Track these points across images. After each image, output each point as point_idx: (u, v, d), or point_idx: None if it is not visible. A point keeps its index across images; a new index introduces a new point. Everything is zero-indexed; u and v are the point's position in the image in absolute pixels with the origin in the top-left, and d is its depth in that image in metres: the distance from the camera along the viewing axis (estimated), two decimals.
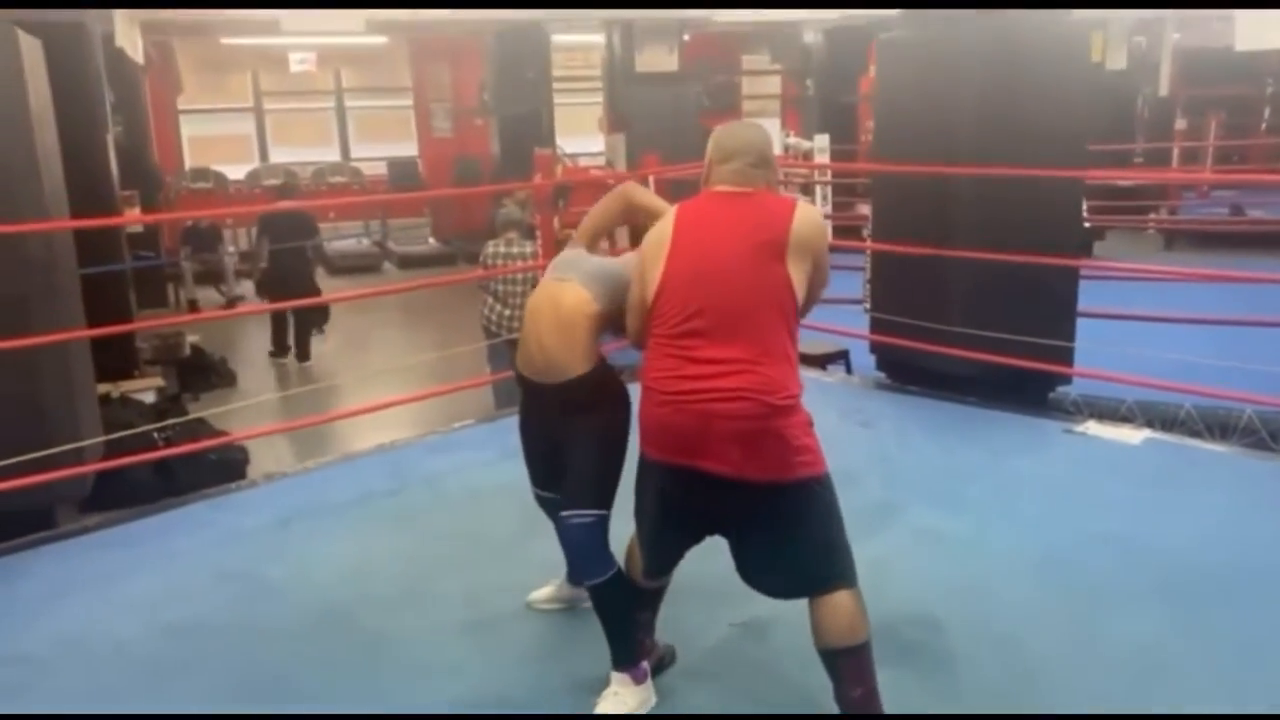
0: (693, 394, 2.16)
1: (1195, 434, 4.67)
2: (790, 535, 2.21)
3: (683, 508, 2.31)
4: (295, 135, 15.27)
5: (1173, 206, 11.88)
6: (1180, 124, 12.54)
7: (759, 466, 2.15)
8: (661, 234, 2.33)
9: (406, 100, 15.36)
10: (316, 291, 8.35)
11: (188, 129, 14.32)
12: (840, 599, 2.21)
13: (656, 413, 2.24)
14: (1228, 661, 2.64)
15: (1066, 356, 4.87)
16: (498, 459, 3.84)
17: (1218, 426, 4.80)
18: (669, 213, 2.39)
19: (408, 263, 13.23)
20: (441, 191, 14.29)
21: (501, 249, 6.15)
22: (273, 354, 8.60)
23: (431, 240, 14.09)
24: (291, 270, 8.05)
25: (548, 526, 2.64)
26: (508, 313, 6.04)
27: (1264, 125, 12.84)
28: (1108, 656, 2.68)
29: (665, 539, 2.40)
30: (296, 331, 8.44)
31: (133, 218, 7.85)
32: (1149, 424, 4.71)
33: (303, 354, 8.42)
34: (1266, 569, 3.10)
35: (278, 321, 8.57)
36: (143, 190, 8.85)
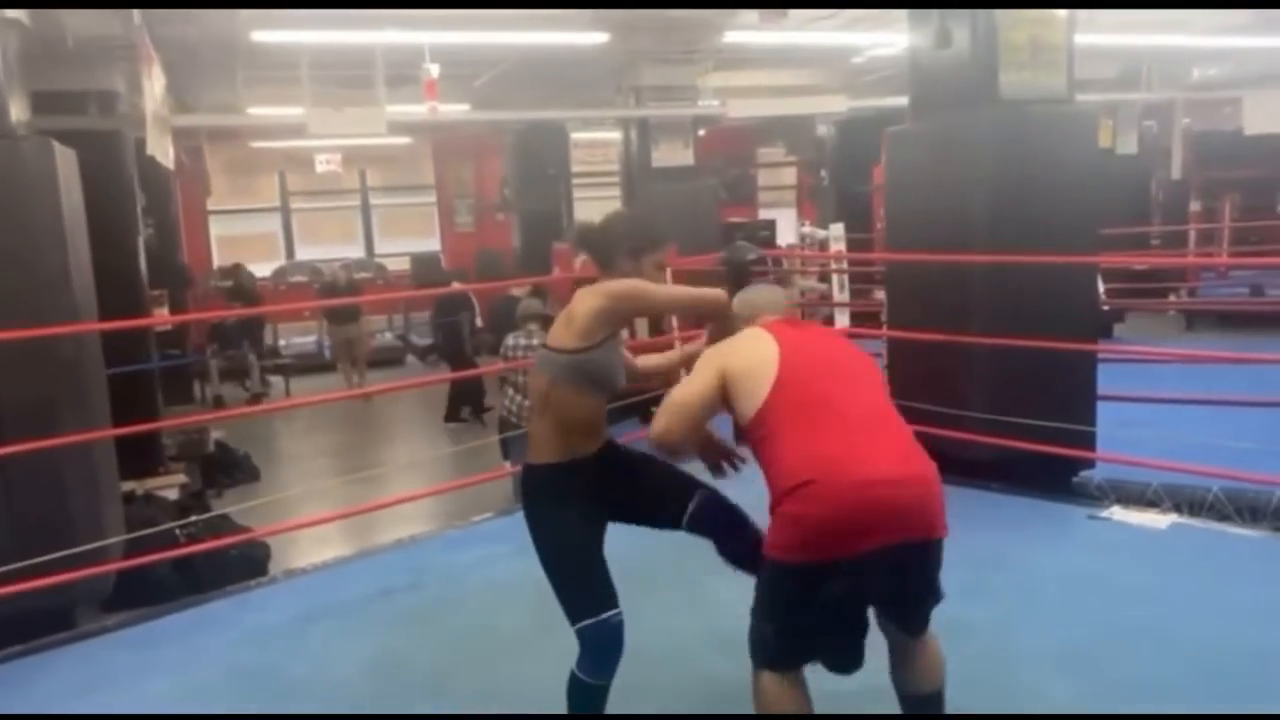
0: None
1: (1224, 517, 4.59)
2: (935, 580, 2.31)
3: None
4: (321, 233, 15.63)
5: (1192, 288, 11.88)
6: (1195, 206, 12.64)
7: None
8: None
9: (429, 197, 15.72)
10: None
11: (216, 229, 14.68)
12: (936, 642, 2.38)
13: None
14: None
15: (1088, 440, 4.83)
16: (515, 553, 3.80)
17: (1247, 509, 4.71)
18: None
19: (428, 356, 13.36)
20: (460, 287, 14.50)
21: (522, 341, 6.22)
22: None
23: None
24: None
25: (564, 620, 2.63)
26: (528, 403, 6.08)
27: (1279, 206, 12.89)
28: None
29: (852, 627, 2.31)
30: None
31: (161, 319, 8.01)
32: (1176, 508, 4.63)
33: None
34: None
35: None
36: (171, 289, 9.06)
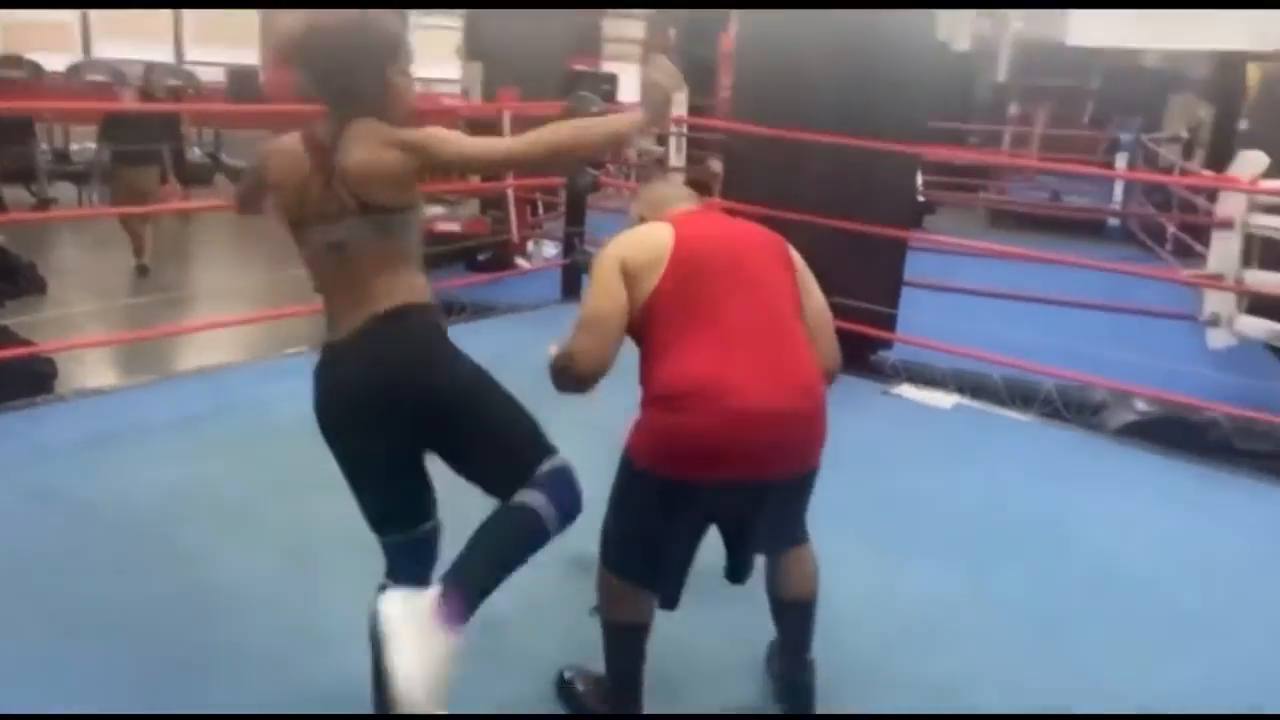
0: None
1: (1001, 402, 5.02)
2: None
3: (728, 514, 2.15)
4: (124, 27, 14.18)
5: (1000, 188, 12.57)
6: (1013, 110, 13.26)
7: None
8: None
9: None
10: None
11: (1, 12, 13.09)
12: (809, 550, 2.33)
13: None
14: (1006, 611, 2.90)
15: (889, 323, 5.14)
16: None
17: (1021, 396, 5.17)
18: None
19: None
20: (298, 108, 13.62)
21: None
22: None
23: None
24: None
25: None
26: None
27: (1086, 118, 13.69)
28: (904, 604, 2.89)
29: (689, 552, 2.17)
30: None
31: None
32: (960, 390, 5.03)
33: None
34: (1048, 526, 3.41)
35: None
36: None
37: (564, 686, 2.37)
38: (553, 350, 2.17)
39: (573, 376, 2.10)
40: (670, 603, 2.18)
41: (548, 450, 1.97)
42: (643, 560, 2.13)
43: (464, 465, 1.97)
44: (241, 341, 5.42)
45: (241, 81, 13.73)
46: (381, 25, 1.94)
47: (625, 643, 2.18)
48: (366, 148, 1.88)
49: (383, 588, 1.92)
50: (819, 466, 2.15)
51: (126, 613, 2.59)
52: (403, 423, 1.91)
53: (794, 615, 2.31)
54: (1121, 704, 2.48)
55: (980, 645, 2.72)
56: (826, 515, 3.37)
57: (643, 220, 2.32)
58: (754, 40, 5.36)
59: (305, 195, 1.91)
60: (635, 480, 2.08)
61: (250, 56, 14.46)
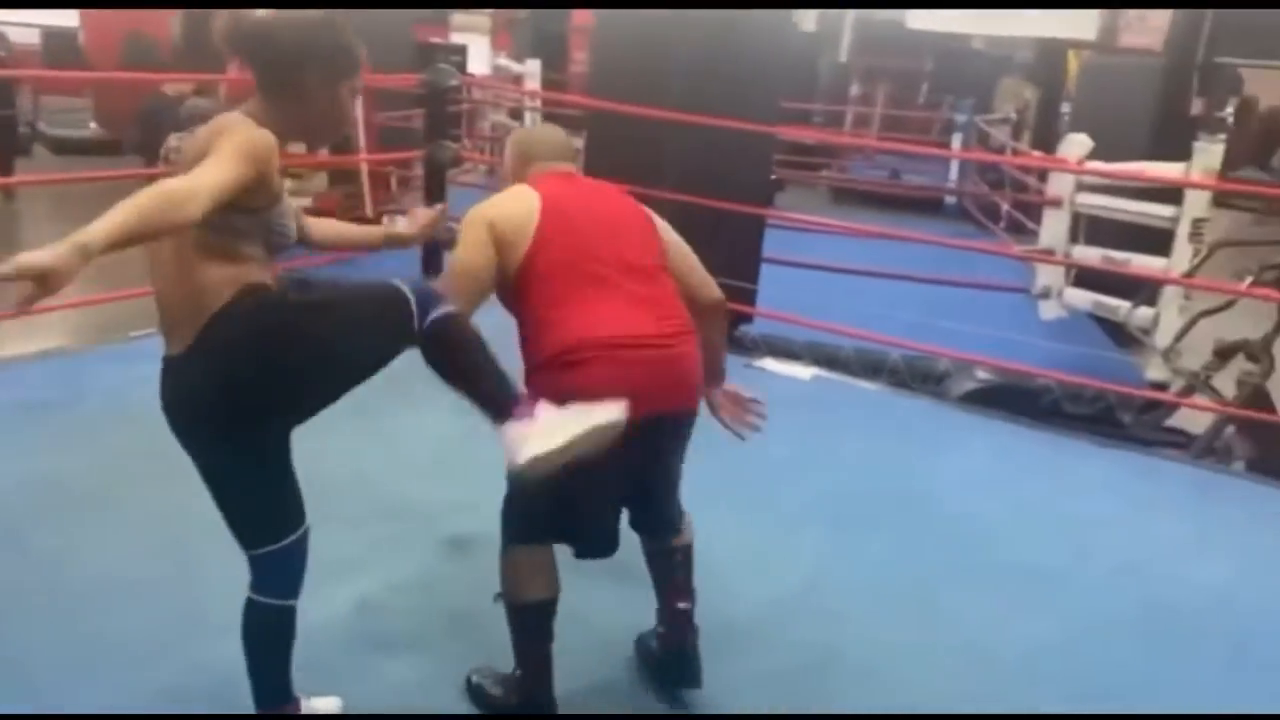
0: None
1: (852, 373, 5.24)
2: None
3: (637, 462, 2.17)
4: None
5: (842, 166, 13.03)
6: (855, 90, 13.74)
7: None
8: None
9: None
10: None
11: None
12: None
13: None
14: (874, 572, 3.05)
15: (749, 298, 5.29)
16: None
17: (871, 367, 5.42)
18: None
19: (64, 148, 11.78)
20: (134, 76, 12.78)
21: (186, 144, 5.66)
22: None
23: (94, 125, 12.61)
24: None
25: None
26: None
27: (921, 99, 14.34)
28: (778, 569, 3.01)
29: (612, 508, 2.25)
30: None
31: None
32: (815, 362, 5.23)
33: None
34: (906, 489, 3.60)
35: None
36: None
37: (475, 690, 2.32)
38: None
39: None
40: (592, 549, 2.24)
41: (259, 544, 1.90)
42: (557, 519, 2.14)
43: None
44: (88, 324, 5.11)
45: (59, 44, 12.82)
46: (332, 38, 1.80)
47: (536, 623, 2.19)
48: (206, 131, 1.71)
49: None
50: (697, 412, 2.25)
51: None
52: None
53: (682, 559, 2.39)
54: (991, 658, 2.65)
55: (852, 605, 2.85)
56: (698, 485, 3.47)
57: (503, 180, 2.38)
58: (613, 15, 5.37)
59: None
60: None
61: (69, 18, 13.49)
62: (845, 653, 2.62)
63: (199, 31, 10.75)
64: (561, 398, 1.92)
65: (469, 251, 2.17)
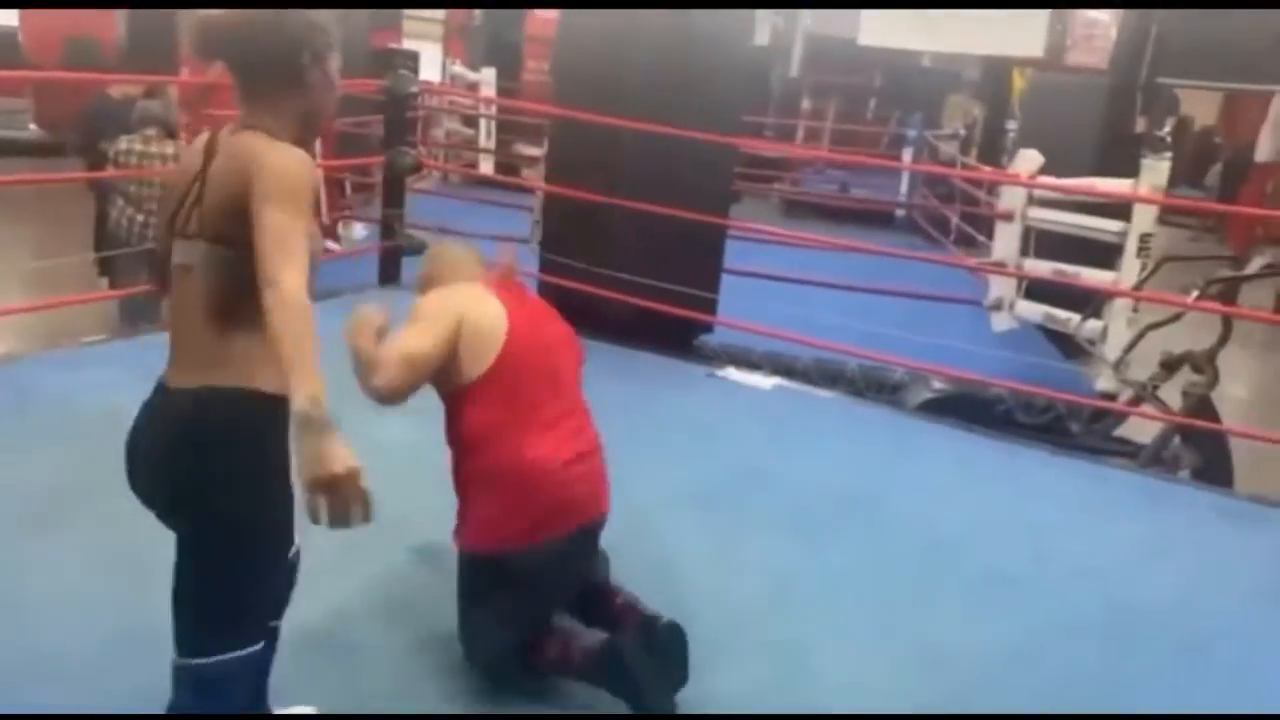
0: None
1: (811, 382, 5.29)
2: None
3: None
4: None
5: (794, 179, 13.16)
6: (806, 104, 13.89)
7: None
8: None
9: None
10: None
11: None
12: None
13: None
14: (839, 577, 3.07)
15: (710, 307, 5.32)
16: (137, 380, 3.52)
17: (829, 376, 5.47)
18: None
19: (6, 149, 11.49)
20: (81, 76, 12.49)
21: (138, 146, 5.55)
22: None
23: (33, 127, 12.32)
24: None
25: None
26: (141, 218, 5.51)
27: (870, 114, 14.53)
28: (745, 575, 3.02)
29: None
30: None
31: None
32: (775, 372, 5.27)
33: None
34: (868, 496, 3.63)
35: None
36: None
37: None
38: (365, 313, 2.18)
39: (372, 391, 2.17)
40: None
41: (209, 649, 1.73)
42: (525, 628, 2.27)
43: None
44: (32, 331, 4.99)
45: None
46: (305, 17, 1.72)
47: (587, 662, 2.24)
48: (228, 160, 1.64)
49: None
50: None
51: None
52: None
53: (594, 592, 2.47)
54: (954, 661, 2.68)
55: (818, 610, 2.87)
56: (666, 492, 3.49)
57: (429, 281, 2.47)
58: (577, 26, 5.38)
59: (180, 203, 1.70)
60: (493, 565, 2.24)
61: (8, 17, 13.18)
62: (809, 657, 2.63)
63: (146, 33, 10.55)
64: (516, 512, 2.21)
65: (428, 338, 2.20)
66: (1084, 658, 2.77)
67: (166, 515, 1.73)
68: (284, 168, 1.58)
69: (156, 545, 1.77)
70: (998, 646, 2.78)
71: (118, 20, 11.67)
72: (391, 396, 2.18)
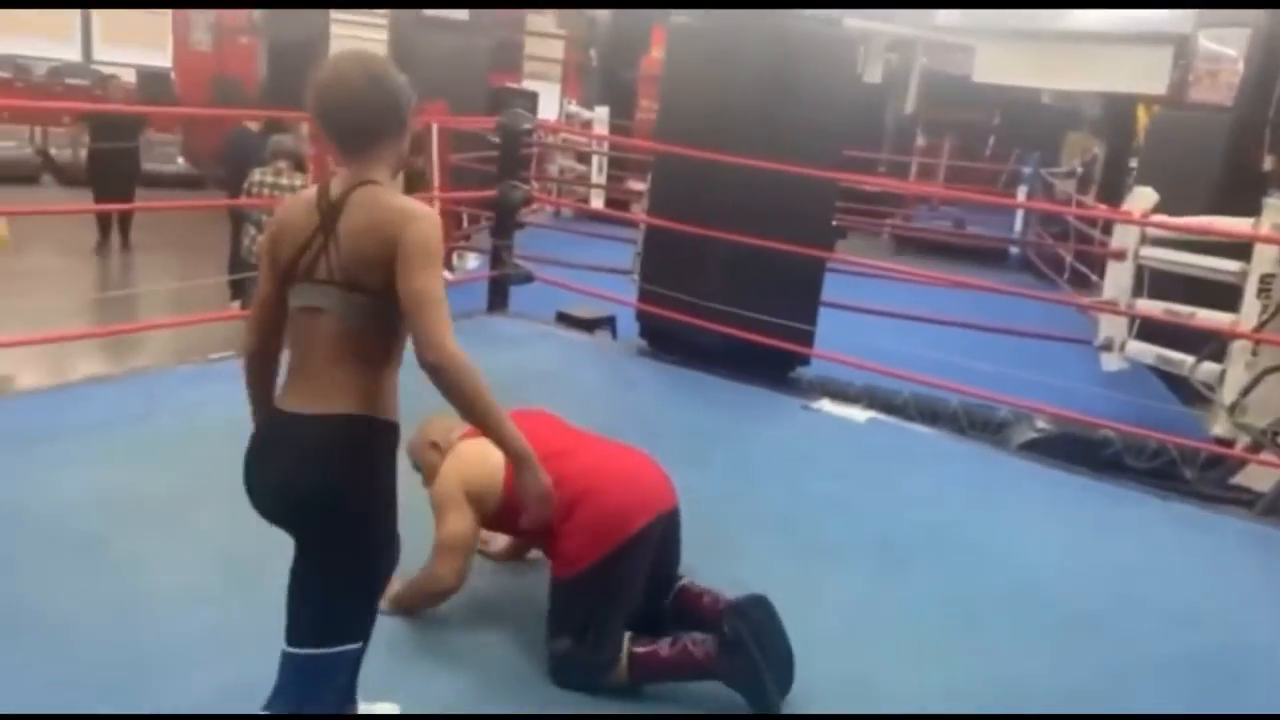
0: None
1: (909, 417, 5.26)
2: None
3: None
4: (22, 24, 13.70)
5: (906, 215, 13.04)
6: (921, 141, 13.78)
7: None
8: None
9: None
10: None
11: None
12: None
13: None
14: (919, 612, 3.06)
15: (807, 340, 5.35)
16: None
17: (929, 412, 5.42)
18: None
19: (155, 181, 12.29)
20: (229, 112, 13.36)
21: (269, 179, 5.93)
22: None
23: (180, 161, 13.17)
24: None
25: None
26: None
27: (988, 151, 14.31)
28: (821, 605, 3.03)
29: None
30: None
31: None
32: (873, 406, 5.25)
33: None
34: (958, 533, 3.60)
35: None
36: None
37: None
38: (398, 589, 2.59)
39: (450, 592, 2.61)
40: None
41: (323, 641, 1.86)
42: (615, 624, 2.48)
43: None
44: (166, 347, 5.35)
45: (154, 83, 13.42)
46: (398, 80, 1.86)
47: (703, 654, 2.45)
48: (365, 215, 1.78)
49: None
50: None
51: (58, 616, 2.55)
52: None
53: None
54: (1032, 697, 2.65)
55: (895, 643, 2.87)
56: (750, 517, 3.54)
57: (435, 447, 2.72)
58: (681, 64, 5.53)
59: (303, 251, 1.83)
60: (583, 577, 2.47)
61: (161, 58, 14.16)
62: (879, 688, 2.63)
63: (285, 71, 11.20)
64: (582, 530, 2.48)
65: (461, 524, 2.56)
66: (1165, 704, 2.69)
67: (293, 526, 1.87)
68: (428, 235, 1.78)
69: (276, 551, 1.89)
70: (1079, 687, 2.73)
71: (260, 59, 12.42)
72: (458, 580, 2.59)
